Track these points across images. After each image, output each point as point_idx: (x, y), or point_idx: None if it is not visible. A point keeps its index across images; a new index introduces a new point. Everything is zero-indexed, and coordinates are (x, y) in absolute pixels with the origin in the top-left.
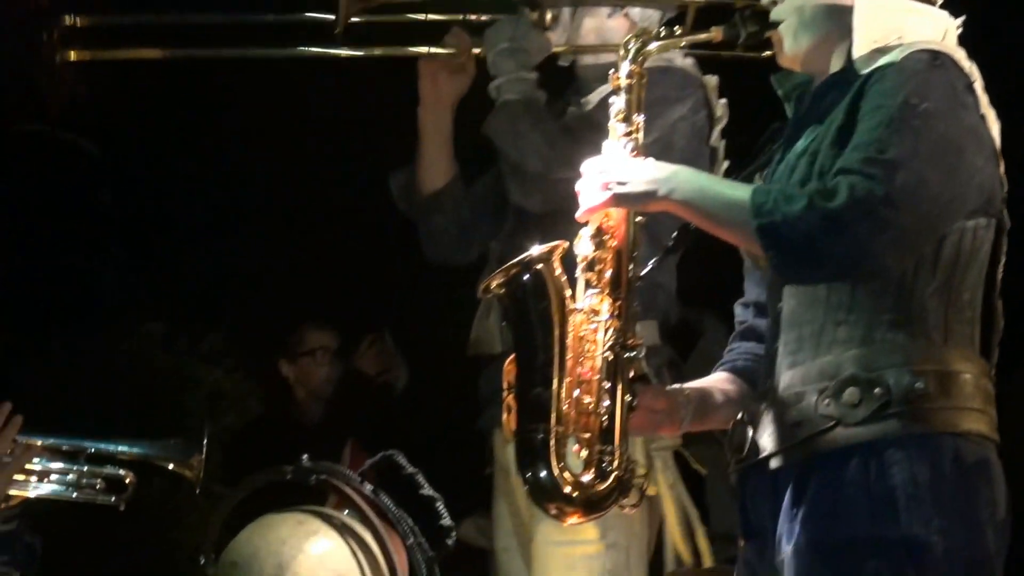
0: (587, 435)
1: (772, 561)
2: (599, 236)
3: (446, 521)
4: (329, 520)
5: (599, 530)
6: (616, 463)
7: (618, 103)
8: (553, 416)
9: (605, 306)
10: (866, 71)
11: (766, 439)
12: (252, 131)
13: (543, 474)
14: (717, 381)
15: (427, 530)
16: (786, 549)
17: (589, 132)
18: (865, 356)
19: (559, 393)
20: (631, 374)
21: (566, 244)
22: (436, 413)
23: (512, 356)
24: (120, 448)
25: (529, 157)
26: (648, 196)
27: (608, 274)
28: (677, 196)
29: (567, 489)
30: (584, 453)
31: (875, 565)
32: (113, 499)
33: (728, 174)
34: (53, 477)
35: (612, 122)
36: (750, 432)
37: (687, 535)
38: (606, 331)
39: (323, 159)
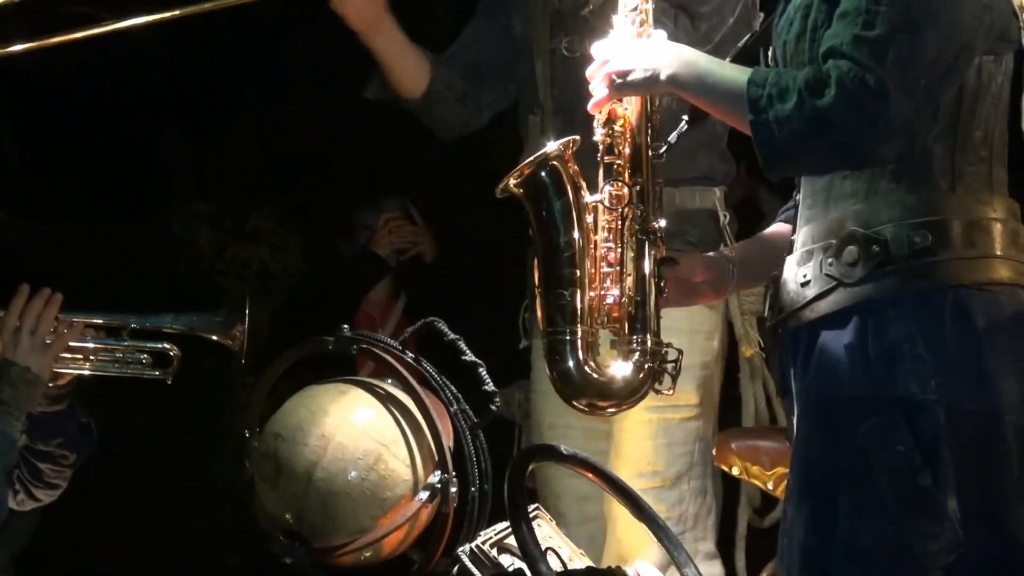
0: (616, 326)
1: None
2: (611, 122)
3: (489, 387)
4: (371, 389)
5: (698, 396)
6: (645, 351)
7: None
8: (578, 315)
9: (626, 191)
10: None
11: (786, 298)
12: (303, 9)
13: (571, 372)
14: (769, 234)
15: (470, 396)
16: (797, 408)
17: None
18: (865, 211)
19: (583, 291)
20: (656, 254)
21: (578, 138)
22: (475, 283)
23: (536, 256)
24: (162, 321)
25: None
26: (650, 83)
27: (627, 158)
28: (678, 82)
29: (596, 384)
30: (616, 344)
31: (870, 425)
32: (158, 373)
33: None
34: (98, 354)
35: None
36: (779, 291)
37: (764, 395)
38: (625, 218)
39: None
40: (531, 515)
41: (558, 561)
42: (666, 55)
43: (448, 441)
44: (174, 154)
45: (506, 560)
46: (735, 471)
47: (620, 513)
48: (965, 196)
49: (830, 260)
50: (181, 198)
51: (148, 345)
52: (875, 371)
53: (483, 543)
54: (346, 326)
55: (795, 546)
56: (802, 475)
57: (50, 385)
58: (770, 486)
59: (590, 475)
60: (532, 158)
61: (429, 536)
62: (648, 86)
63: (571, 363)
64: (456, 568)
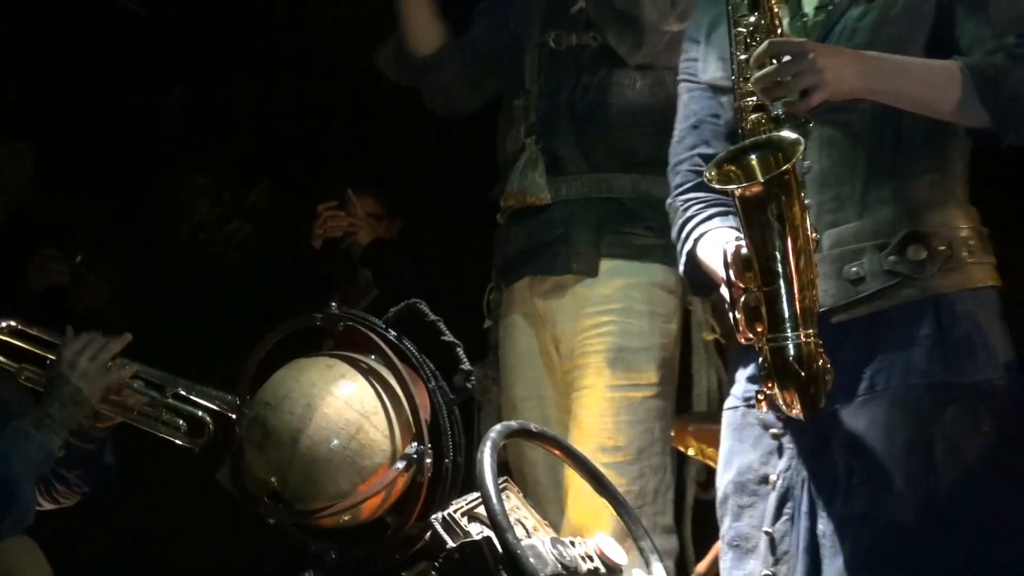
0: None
1: (824, 411)
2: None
3: (466, 365)
4: (356, 364)
5: (658, 375)
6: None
7: None
8: (802, 319)
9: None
10: None
11: (822, 295)
12: None
13: (803, 378)
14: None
15: (447, 374)
16: (849, 401)
17: None
18: (918, 213)
19: (805, 294)
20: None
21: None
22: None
23: (740, 253)
24: (206, 395)
25: (645, 8)
26: (853, 91)
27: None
28: (885, 87)
29: (815, 385)
30: (807, 342)
31: (955, 409)
32: (187, 440)
33: None
34: (140, 407)
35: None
36: None
37: (716, 379)
38: (804, 214)
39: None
40: (500, 487)
41: (523, 531)
42: (862, 63)
43: (425, 415)
44: (176, 125)
45: (475, 528)
46: (691, 452)
47: (580, 486)
48: (972, 207)
49: (892, 257)
50: (183, 168)
51: (187, 410)
52: (953, 359)
53: (455, 511)
54: (334, 304)
55: (884, 523)
56: (884, 457)
57: (94, 424)
58: None
59: (557, 452)
60: (778, 170)
61: (404, 503)
62: (851, 95)
63: (800, 370)
64: (429, 534)
